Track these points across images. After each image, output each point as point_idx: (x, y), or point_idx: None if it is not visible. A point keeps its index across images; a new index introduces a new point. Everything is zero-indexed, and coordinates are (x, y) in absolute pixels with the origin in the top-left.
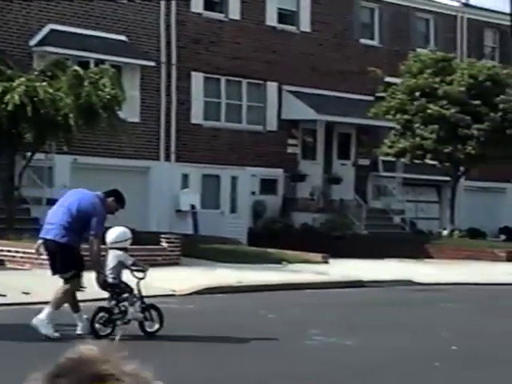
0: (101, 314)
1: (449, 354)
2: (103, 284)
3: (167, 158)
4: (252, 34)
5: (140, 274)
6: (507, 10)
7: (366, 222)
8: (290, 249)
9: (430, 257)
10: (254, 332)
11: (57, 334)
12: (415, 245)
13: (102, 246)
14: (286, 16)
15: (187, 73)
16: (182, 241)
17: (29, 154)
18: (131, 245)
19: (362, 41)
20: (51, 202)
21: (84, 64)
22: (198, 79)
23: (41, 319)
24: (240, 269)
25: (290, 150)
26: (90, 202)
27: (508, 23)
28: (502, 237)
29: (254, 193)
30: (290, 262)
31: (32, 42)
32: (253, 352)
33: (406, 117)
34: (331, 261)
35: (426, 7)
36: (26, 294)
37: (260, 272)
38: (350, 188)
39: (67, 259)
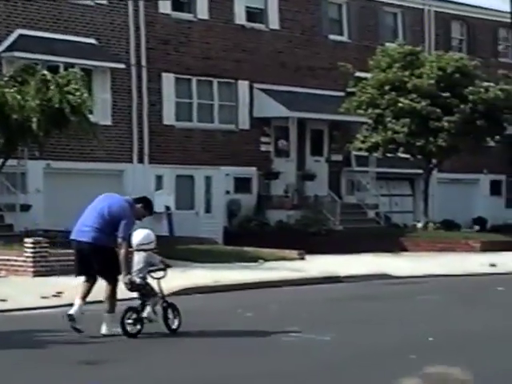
0: (129, 314)
1: (425, 346)
2: (131, 285)
3: (140, 160)
4: (221, 33)
5: (160, 274)
6: (473, 3)
7: (340, 217)
8: (266, 247)
9: (405, 250)
10: (232, 331)
11: (119, 330)
12: (390, 238)
13: (130, 249)
14: (254, 14)
15: (158, 74)
16: (158, 242)
17: (1, 160)
18: None
19: (331, 37)
20: (25, 207)
21: (54, 68)
22: (168, 80)
23: (107, 328)
24: (216, 268)
25: (263, 148)
26: (119, 205)
27: (475, 15)
28: (476, 227)
29: (228, 192)
30: (267, 260)
31: (0, 48)
32: (230, 350)
33: (377, 111)
34: (307, 257)
35: (394, 1)
36: (3, 301)
37: (237, 271)
38: (323, 184)
39: (108, 261)
